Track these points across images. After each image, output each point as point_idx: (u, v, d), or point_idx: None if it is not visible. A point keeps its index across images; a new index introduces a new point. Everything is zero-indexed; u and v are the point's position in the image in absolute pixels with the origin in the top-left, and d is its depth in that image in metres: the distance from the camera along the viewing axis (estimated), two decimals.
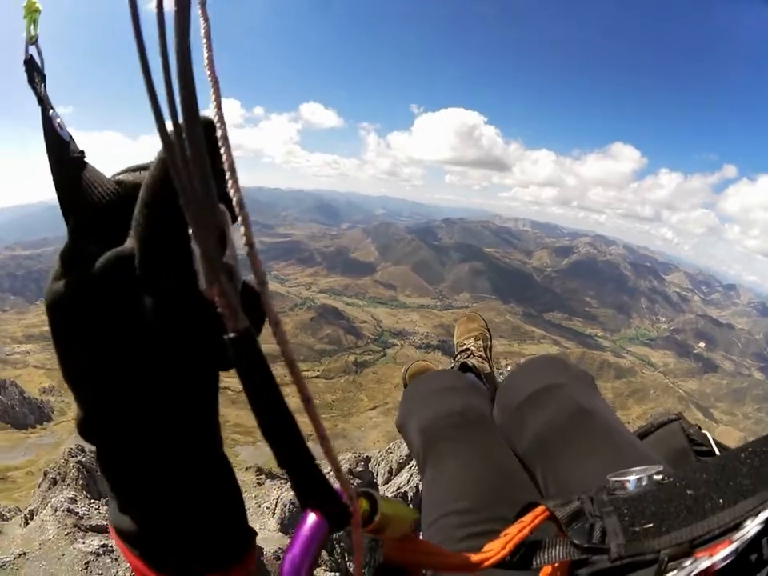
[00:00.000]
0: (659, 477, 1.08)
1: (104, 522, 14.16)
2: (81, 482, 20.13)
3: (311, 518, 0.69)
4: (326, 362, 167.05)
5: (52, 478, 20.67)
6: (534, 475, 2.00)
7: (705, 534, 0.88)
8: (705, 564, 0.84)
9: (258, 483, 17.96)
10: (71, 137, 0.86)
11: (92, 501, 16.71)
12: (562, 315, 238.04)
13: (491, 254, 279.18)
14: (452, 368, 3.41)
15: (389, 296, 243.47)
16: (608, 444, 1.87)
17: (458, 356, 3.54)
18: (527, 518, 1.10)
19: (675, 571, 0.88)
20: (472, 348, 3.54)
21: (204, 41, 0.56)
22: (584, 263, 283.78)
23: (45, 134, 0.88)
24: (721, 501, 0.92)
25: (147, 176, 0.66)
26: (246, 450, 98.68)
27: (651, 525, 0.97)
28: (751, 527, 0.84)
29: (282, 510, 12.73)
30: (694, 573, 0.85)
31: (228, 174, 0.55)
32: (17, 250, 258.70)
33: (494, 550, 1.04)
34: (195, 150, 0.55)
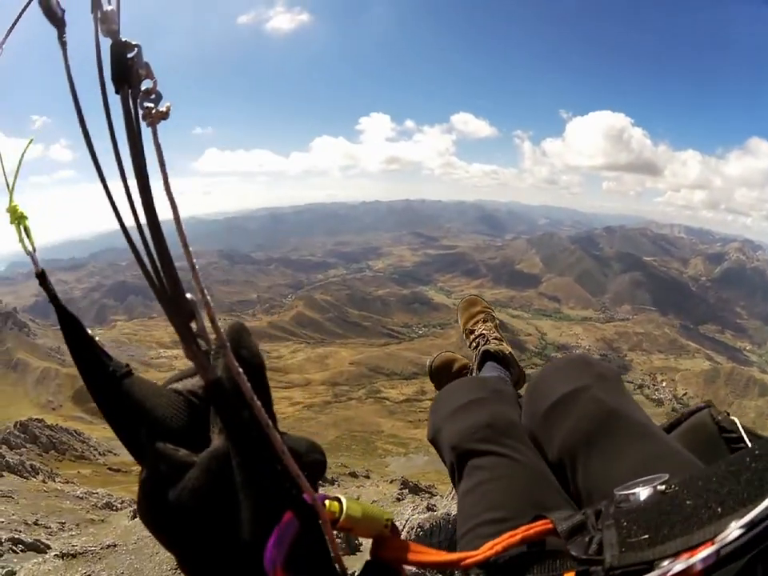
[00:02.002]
0: (663, 487, 1.12)
1: None
2: None
3: (286, 516, 0.85)
4: None
5: None
6: (565, 480, 2.02)
7: (697, 544, 0.89)
8: (680, 566, 0.87)
9: (398, 498, 18.01)
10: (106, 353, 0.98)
11: None
12: (715, 328, 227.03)
13: (650, 263, 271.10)
14: (474, 360, 3.60)
15: (553, 308, 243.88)
16: (635, 443, 1.88)
17: (472, 343, 3.76)
18: (522, 528, 1.18)
19: (653, 572, 0.91)
20: (485, 332, 3.72)
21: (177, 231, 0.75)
22: (734, 271, 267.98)
23: (78, 357, 0.98)
24: (719, 509, 0.93)
25: (201, 382, 0.94)
26: (397, 461, 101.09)
27: (647, 536, 1.00)
28: (733, 529, 0.85)
29: (408, 532, 11.48)
30: (671, 573, 0.88)
31: (192, 274, 0.76)
32: None
33: (480, 551, 1.13)
34: (163, 259, 0.79)
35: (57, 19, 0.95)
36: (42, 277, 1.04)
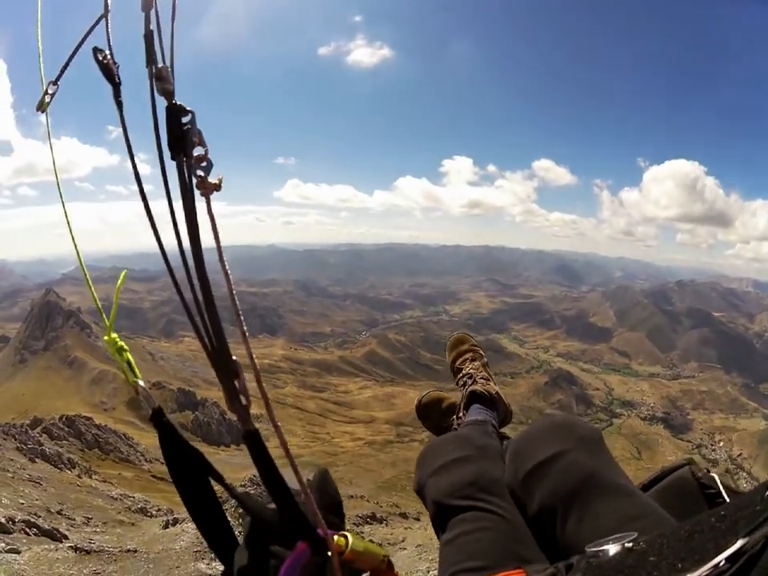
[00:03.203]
0: (630, 544, 1.22)
1: None
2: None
3: (299, 546, 1.08)
4: None
5: None
6: (543, 536, 2.09)
7: None
8: None
9: None
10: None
11: None
12: None
13: (718, 319, 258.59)
14: (461, 400, 3.59)
15: (622, 363, 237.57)
16: (610, 504, 1.94)
17: (459, 381, 3.74)
18: (501, 575, 1.37)
19: None
20: (472, 371, 3.71)
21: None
22: None
23: (195, 481, 1.23)
24: (680, 565, 1.00)
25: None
26: None
27: None
28: None
29: None
30: None
31: (244, 343, 0.96)
32: (242, 286, 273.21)
33: None
34: (215, 326, 0.96)
35: (112, 75, 1.01)
36: (159, 413, 1.21)
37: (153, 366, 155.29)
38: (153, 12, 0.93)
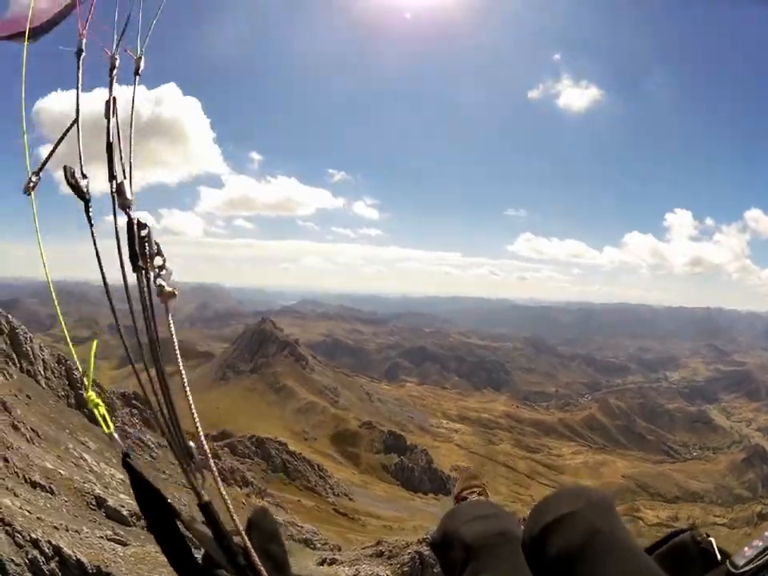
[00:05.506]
0: None
1: None
2: (406, 569, 20.38)
3: None
4: (736, 510, 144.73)
5: (381, 550, 21.62)
6: None
7: None
8: None
9: None
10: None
11: None
12: None
13: None
14: None
15: None
16: (616, 564, 1.97)
17: None
18: None
19: None
20: None
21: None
22: None
23: (159, 514, 1.33)
24: None
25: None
26: None
27: None
28: None
29: None
30: None
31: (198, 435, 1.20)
32: (471, 338, 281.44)
33: None
34: (173, 417, 1.16)
35: (82, 194, 1.07)
36: (126, 456, 1.29)
37: (367, 406, 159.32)
38: (113, 124, 1.00)
